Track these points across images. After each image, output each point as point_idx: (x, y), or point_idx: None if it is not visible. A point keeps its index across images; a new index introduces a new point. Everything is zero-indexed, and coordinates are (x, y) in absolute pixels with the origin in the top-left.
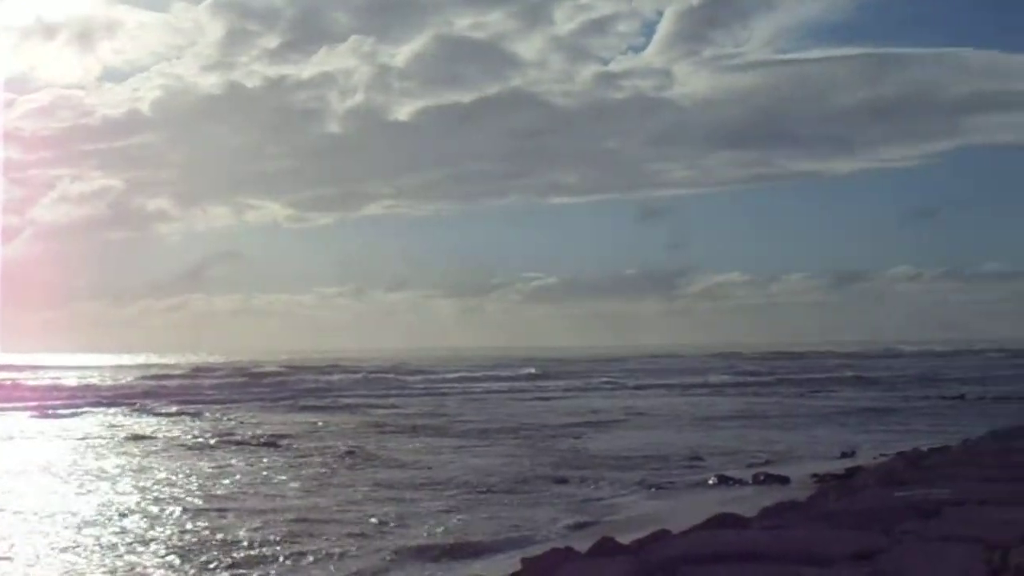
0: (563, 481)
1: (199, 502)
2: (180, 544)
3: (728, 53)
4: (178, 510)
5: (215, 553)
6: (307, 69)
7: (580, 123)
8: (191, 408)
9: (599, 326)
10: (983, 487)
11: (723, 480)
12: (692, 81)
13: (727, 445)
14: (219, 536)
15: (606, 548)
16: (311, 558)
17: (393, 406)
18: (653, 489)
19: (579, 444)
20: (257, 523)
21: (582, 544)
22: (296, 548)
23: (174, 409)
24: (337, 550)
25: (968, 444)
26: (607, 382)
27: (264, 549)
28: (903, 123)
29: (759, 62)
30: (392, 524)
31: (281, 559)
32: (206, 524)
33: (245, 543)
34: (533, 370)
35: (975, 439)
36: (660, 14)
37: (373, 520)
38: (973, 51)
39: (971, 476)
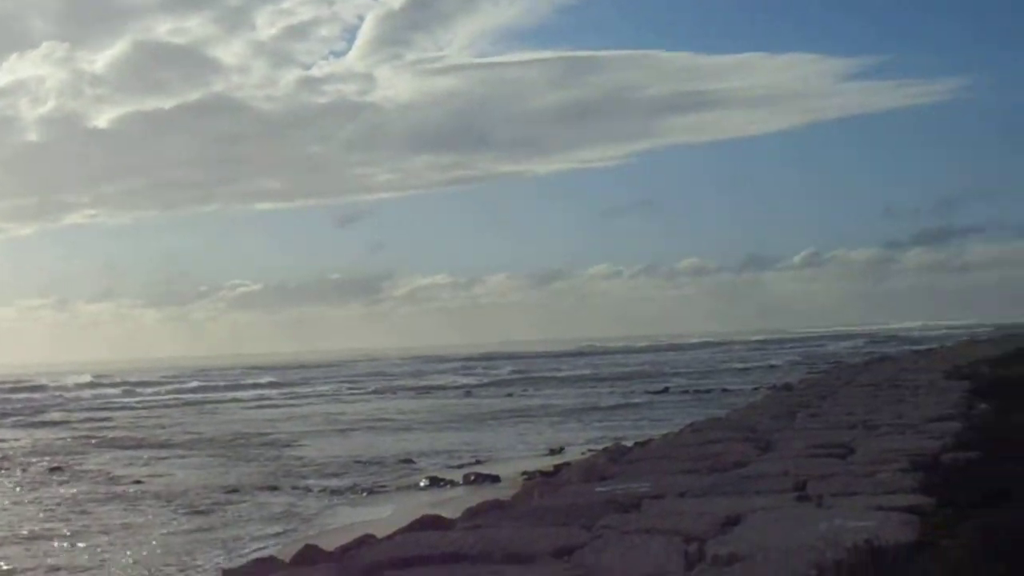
0: (273, 489)
1: None
2: None
3: (429, 57)
4: None
5: None
6: (0, 77)
7: (283, 128)
8: None
9: (305, 331)
10: (682, 479)
11: (434, 482)
12: (394, 85)
13: (439, 447)
14: None
15: (309, 556)
16: None
17: (103, 419)
18: (364, 494)
19: (291, 451)
20: None
21: (287, 553)
22: None
23: None
24: None
25: (669, 437)
26: (319, 388)
27: None
28: (600, 124)
29: (459, 65)
30: (90, 544)
31: None
32: None
33: None
34: (247, 377)
35: (676, 432)
36: (361, 19)
37: (67, 544)
38: (667, 53)
39: (671, 469)
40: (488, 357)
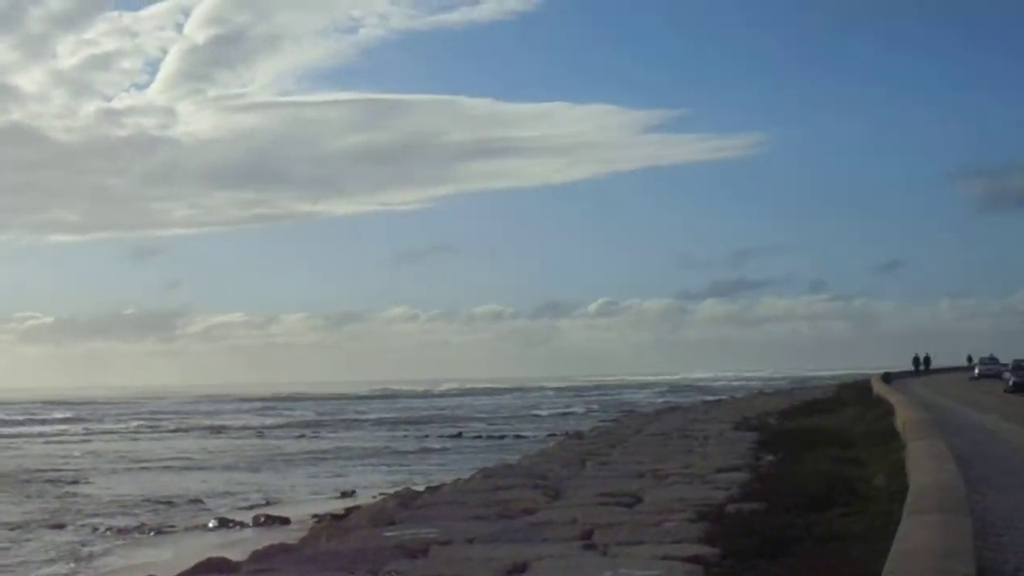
0: (59, 527)
1: None
2: None
3: (232, 93)
4: None
5: None
6: None
7: (81, 159)
8: None
9: (98, 366)
10: (471, 526)
11: (223, 523)
12: (195, 120)
13: (230, 487)
14: None
15: None
16: None
17: None
18: (151, 533)
19: (79, 489)
20: None
21: None
22: None
23: None
24: None
25: (460, 483)
26: (109, 424)
27: None
28: (400, 168)
29: (261, 103)
30: None
31: None
32: None
33: None
34: (35, 411)
35: (467, 478)
36: (165, 52)
37: None
38: (469, 99)
39: (460, 515)
40: (282, 398)
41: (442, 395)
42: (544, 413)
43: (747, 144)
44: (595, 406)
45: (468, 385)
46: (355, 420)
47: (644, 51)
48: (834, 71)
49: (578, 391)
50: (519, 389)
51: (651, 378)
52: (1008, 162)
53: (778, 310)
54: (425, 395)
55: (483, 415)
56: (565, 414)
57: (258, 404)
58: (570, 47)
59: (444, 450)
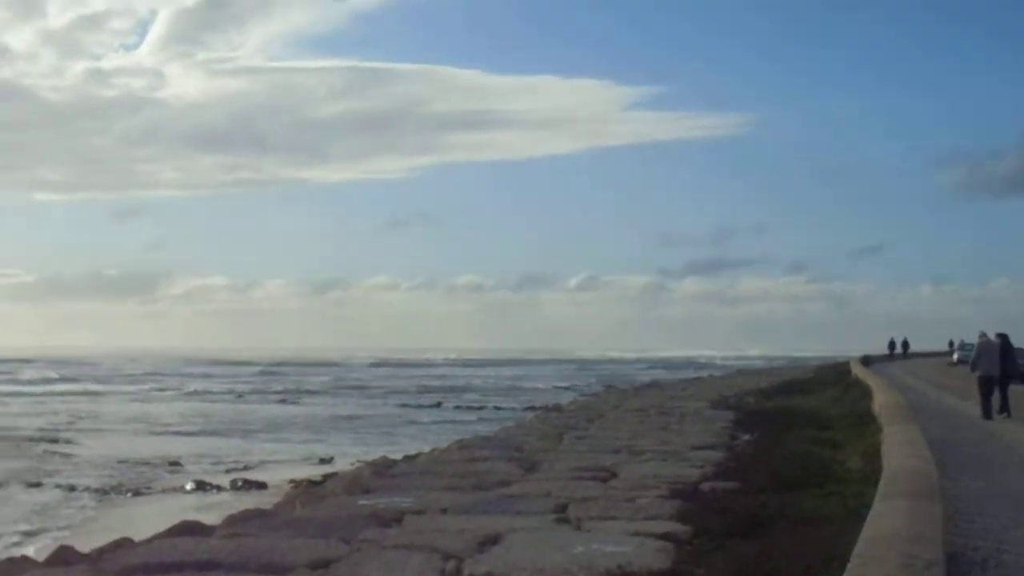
0: (36, 485)
1: None
2: None
3: (221, 57)
4: None
5: None
6: None
7: (69, 119)
8: None
9: (79, 326)
10: (445, 496)
11: (200, 486)
12: (184, 83)
13: (208, 450)
14: None
15: (64, 557)
16: None
17: None
18: (129, 494)
19: (58, 448)
20: None
21: (41, 553)
22: None
23: None
24: None
25: (436, 453)
26: (90, 385)
27: None
28: (387, 136)
29: (250, 68)
30: None
31: None
32: None
33: None
34: (13, 370)
35: (444, 448)
36: (155, 14)
37: None
38: (458, 70)
39: (436, 485)
40: (263, 363)
41: (420, 364)
42: (522, 385)
43: (734, 123)
44: (573, 380)
45: (447, 355)
46: (335, 386)
47: (635, 27)
48: (825, 51)
49: (557, 364)
50: (499, 361)
51: (630, 354)
52: (992, 148)
53: (756, 290)
54: (403, 364)
55: (461, 385)
56: (543, 387)
57: (239, 368)
58: (562, 21)
59: (422, 419)
